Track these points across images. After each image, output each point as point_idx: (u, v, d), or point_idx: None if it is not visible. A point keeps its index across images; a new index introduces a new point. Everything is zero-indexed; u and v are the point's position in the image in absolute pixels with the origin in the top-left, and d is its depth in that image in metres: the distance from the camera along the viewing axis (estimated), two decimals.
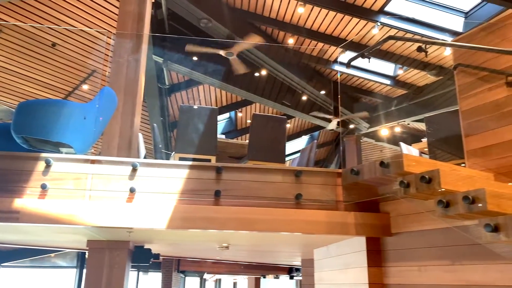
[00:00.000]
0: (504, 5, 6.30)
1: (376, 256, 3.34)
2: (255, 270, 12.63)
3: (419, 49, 3.39)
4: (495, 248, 2.37)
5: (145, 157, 5.02)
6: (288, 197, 3.30)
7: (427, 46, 3.41)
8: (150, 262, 4.69)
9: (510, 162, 3.26)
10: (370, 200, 3.37)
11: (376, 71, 9.85)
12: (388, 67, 9.65)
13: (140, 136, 4.75)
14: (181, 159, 4.55)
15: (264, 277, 14.71)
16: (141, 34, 4.74)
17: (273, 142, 4.91)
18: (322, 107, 10.58)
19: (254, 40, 7.91)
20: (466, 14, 7.61)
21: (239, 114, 12.40)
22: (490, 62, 3.54)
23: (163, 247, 5.64)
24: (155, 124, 5.83)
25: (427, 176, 2.59)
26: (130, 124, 4.33)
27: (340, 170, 3.46)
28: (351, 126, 12.05)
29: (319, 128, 13.32)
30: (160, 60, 8.41)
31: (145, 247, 4.55)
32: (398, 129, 11.78)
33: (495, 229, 2.21)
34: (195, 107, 4.80)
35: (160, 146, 5.05)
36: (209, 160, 4.46)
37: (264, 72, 9.45)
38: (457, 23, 7.71)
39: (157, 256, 4.98)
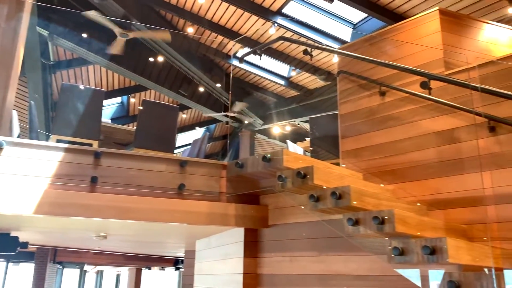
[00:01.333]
0: (385, 21, 6.94)
1: (252, 246, 3.46)
2: (139, 262, 12.27)
3: (305, 52, 3.58)
4: (354, 240, 2.60)
5: (18, 137, 4.56)
6: (170, 187, 3.25)
7: (312, 50, 3.61)
8: (17, 251, 4.31)
9: (378, 164, 3.60)
10: (251, 193, 3.47)
11: (273, 71, 10.21)
12: (283, 68, 10.06)
13: (14, 113, 4.30)
14: (59, 141, 4.22)
15: (150, 269, 14.38)
16: (21, 1, 4.28)
17: (163, 131, 4.80)
18: (218, 100, 10.66)
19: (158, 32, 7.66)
20: (355, 26, 8.24)
21: (132, 100, 11.92)
22: (368, 72, 3.86)
23: (34, 235, 5.20)
24: (32, 102, 5.32)
25: (302, 172, 2.75)
26: (1, 99, 3.89)
27: (225, 163, 3.51)
28: (246, 121, 12.32)
29: (216, 121, 13.39)
30: (45, 33, 7.70)
31: (11, 234, 4.15)
32: (288, 128, 12.35)
33: (356, 223, 2.43)
34: (81, 87, 4.49)
35: (36, 125, 4.63)
36: (90, 145, 4.20)
37: (161, 58, 9.20)
38: (346, 33, 8.31)
39: (25, 244, 4.58)
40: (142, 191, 3.13)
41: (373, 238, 2.52)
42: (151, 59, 9.24)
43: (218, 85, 10.07)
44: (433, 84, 3.07)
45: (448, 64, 3.41)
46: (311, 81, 9.92)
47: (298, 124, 11.75)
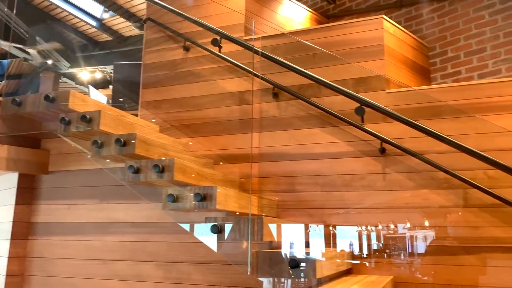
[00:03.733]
0: None
1: (27, 193, 3.16)
2: None
3: None
4: (135, 188, 2.61)
5: None
6: None
7: None
8: None
9: (174, 117, 3.65)
10: (31, 135, 3.13)
11: (84, 9, 9.27)
12: (96, 8, 9.22)
13: None
14: None
15: None
16: None
17: None
18: (15, 31, 9.19)
19: None
20: None
21: None
22: (175, 25, 3.83)
23: None
24: None
25: (88, 116, 2.59)
26: None
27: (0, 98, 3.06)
28: (50, 62, 11.01)
29: (13, 56, 11.55)
30: None
31: None
32: (99, 75, 11.53)
33: (137, 170, 2.42)
34: None
35: None
36: None
37: None
38: None
39: None
40: None
41: (154, 186, 2.57)
42: None
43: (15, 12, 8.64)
44: (234, 47, 3.24)
45: (248, 30, 3.62)
46: (126, 27, 9.38)
47: (111, 72, 11.08)
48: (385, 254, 2.88)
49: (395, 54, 3.32)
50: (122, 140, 2.47)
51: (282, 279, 2.16)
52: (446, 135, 2.88)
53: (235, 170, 3.29)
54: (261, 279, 2.17)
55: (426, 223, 2.83)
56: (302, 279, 2.03)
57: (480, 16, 3.65)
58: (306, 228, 2.90)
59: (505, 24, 3.48)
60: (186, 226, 2.51)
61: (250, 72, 3.23)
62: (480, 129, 2.85)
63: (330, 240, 2.92)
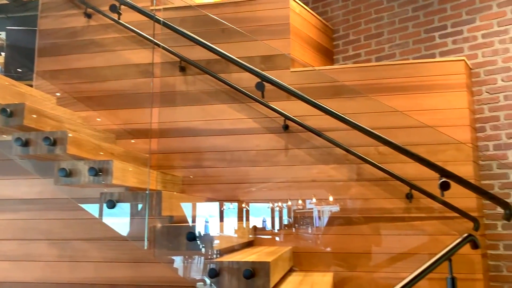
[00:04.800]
0: None
1: None
2: None
3: None
4: (24, 163, 2.42)
5: None
6: None
7: None
8: None
9: (74, 89, 3.43)
10: None
11: None
12: None
13: None
14: None
15: None
16: None
17: None
18: None
19: None
20: None
21: None
22: None
23: None
24: None
25: None
26: None
27: None
28: None
29: None
30: None
31: None
32: None
33: (26, 143, 2.24)
34: None
35: None
36: None
37: None
38: None
39: None
40: None
41: (47, 160, 2.40)
42: None
43: None
44: (139, 16, 3.09)
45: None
46: None
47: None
48: (286, 227, 3.01)
49: (300, 34, 3.41)
50: (8, 110, 2.26)
51: (183, 253, 2.16)
52: (344, 114, 3.04)
53: (140, 146, 3.19)
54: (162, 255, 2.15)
55: (325, 197, 3.00)
56: (202, 251, 2.05)
57: (379, 2, 3.87)
58: (209, 202, 2.92)
59: (401, 11, 3.72)
60: (82, 202, 2.40)
61: (151, 41, 3.12)
62: (374, 108, 3.05)
63: (233, 214, 2.98)
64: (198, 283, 2.06)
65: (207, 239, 2.02)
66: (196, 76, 3.26)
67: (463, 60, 3.03)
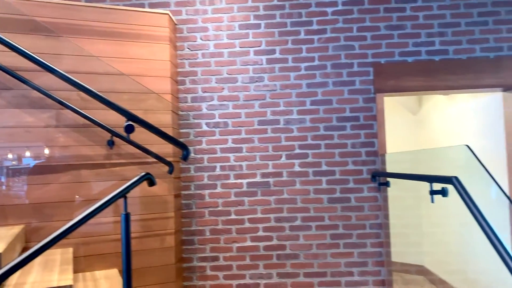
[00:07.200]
0: None
1: None
2: None
3: None
4: None
5: None
6: None
7: None
8: None
9: None
10: None
11: None
12: None
13: None
14: None
15: None
16: None
17: None
18: None
19: None
20: None
21: None
22: None
23: None
24: None
25: None
26: None
27: None
28: None
29: None
30: None
31: None
32: None
33: None
34: None
35: None
36: None
37: None
38: None
39: None
40: None
41: None
42: None
43: None
44: None
45: None
46: None
47: None
48: None
49: None
50: None
51: None
52: (41, 54, 2.76)
53: None
54: None
55: (18, 146, 2.70)
56: None
57: None
58: None
59: None
60: None
61: None
62: (79, 51, 2.89)
63: None
64: None
65: None
66: None
67: (168, 14, 3.19)
